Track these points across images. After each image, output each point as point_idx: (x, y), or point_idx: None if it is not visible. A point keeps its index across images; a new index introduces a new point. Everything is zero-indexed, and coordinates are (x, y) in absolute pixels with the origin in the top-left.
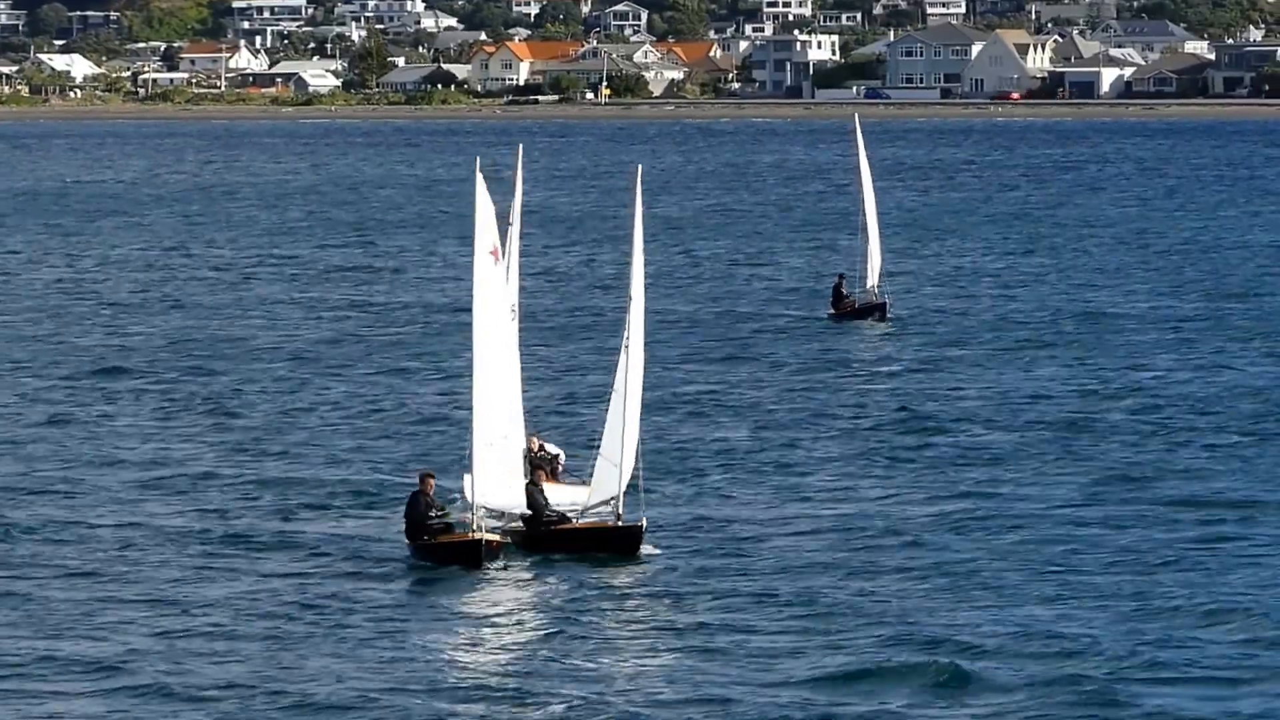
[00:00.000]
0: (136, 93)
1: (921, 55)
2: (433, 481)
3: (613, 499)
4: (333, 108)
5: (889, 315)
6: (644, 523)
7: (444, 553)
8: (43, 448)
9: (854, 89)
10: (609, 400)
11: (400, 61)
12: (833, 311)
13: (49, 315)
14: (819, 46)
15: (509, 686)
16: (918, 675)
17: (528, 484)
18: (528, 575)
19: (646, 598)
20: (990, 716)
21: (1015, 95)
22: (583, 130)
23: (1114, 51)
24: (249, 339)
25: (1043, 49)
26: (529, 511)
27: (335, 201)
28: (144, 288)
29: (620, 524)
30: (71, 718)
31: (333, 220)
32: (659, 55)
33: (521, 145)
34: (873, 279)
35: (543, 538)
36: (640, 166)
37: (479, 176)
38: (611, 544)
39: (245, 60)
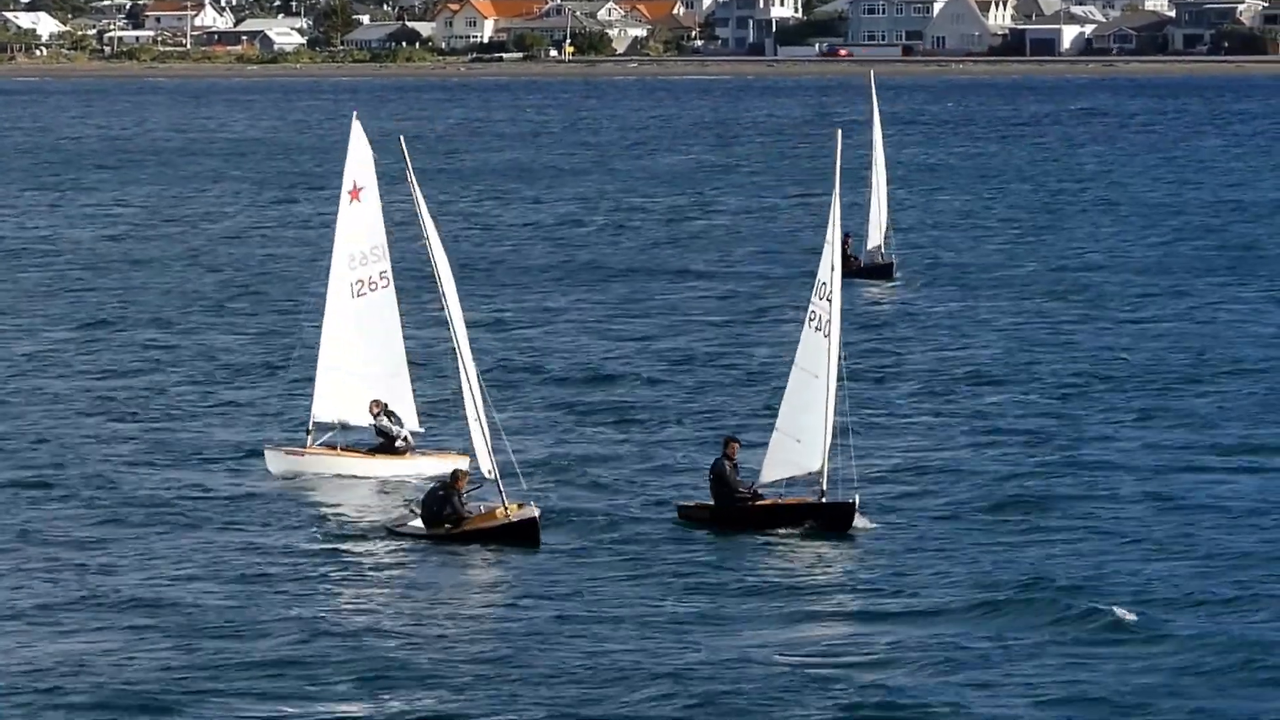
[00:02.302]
0: (102, 51)
1: (883, 13)
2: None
3: (813, 475)
4: (298, 65)
5: (896, 275)
6: (856, 500)
7: (499, 535)
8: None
9: (816, 46)
10: (788, 375)
11: (365, 19)
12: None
13: None
14: (781, 4)
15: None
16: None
17: (718, 460)
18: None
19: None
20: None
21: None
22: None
23: (1075, 9)
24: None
25: (1004, 6)
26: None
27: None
28: None
29: (826, 500)
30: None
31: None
32: (623, 13)
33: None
34: (877, 238)
35: (738, 515)
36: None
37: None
38: (821, 521)
39: (210, 18)
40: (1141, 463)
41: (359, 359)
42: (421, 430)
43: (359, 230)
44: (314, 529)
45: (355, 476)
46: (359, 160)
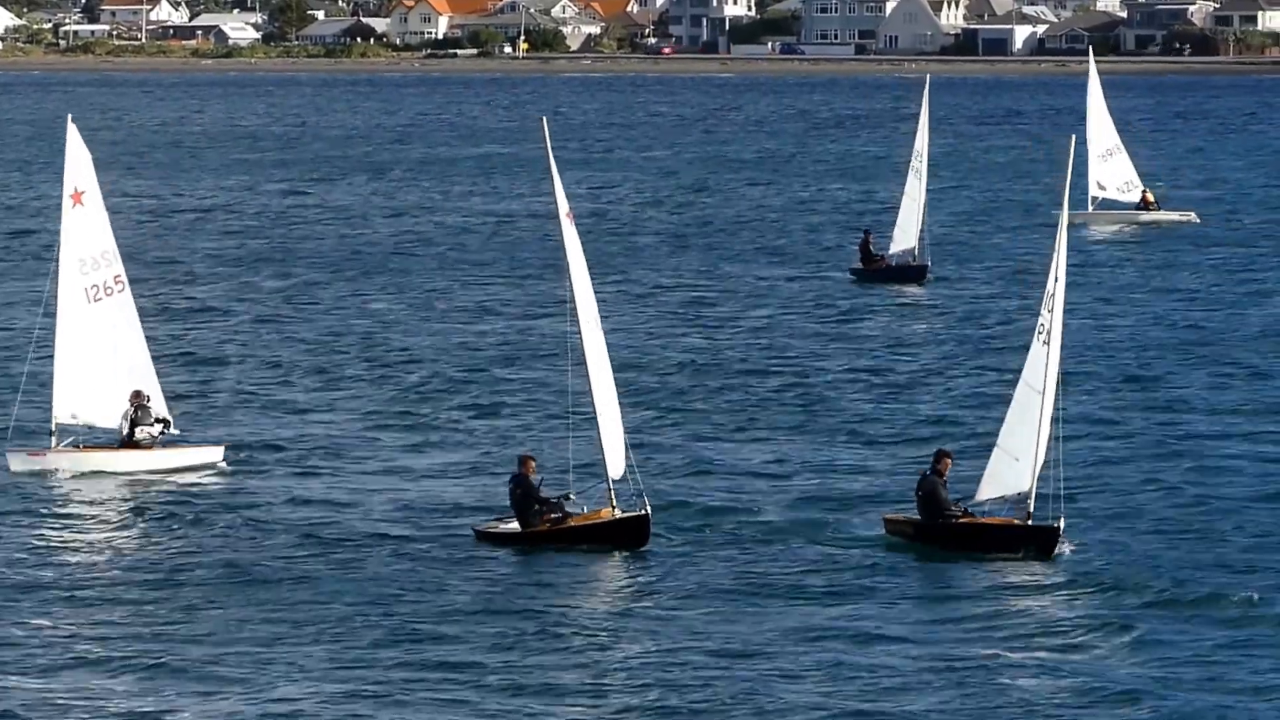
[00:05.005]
0: (58, 44)
1: (836, 12)
2: (533, 464)
3: (1021, 495)
4: (253, 60)
5: (928, 278)
6: (1061, 524)
7: (605, 533)
8: None
9: (769, 45)
10: (1014, 390)
11: (320, 15)
12: (860, 268)
13: None
14: (735, 2)
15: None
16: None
17: (930, 475)
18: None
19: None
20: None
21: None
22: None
23: (1027, 9)
24: None
25: (957, 6)
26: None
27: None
28: None
29: (1032, 523)
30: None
31: None
32: (577, 10)
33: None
34: (910, 239)
35: (943, 532)
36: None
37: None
38: (1023, 544)
39: (166, 12)
40: None
41: (99, 363)
42: (174, 427)
43: (85, 235)
44: (50, 527)
45: (102, 473)
46: (77, 164)
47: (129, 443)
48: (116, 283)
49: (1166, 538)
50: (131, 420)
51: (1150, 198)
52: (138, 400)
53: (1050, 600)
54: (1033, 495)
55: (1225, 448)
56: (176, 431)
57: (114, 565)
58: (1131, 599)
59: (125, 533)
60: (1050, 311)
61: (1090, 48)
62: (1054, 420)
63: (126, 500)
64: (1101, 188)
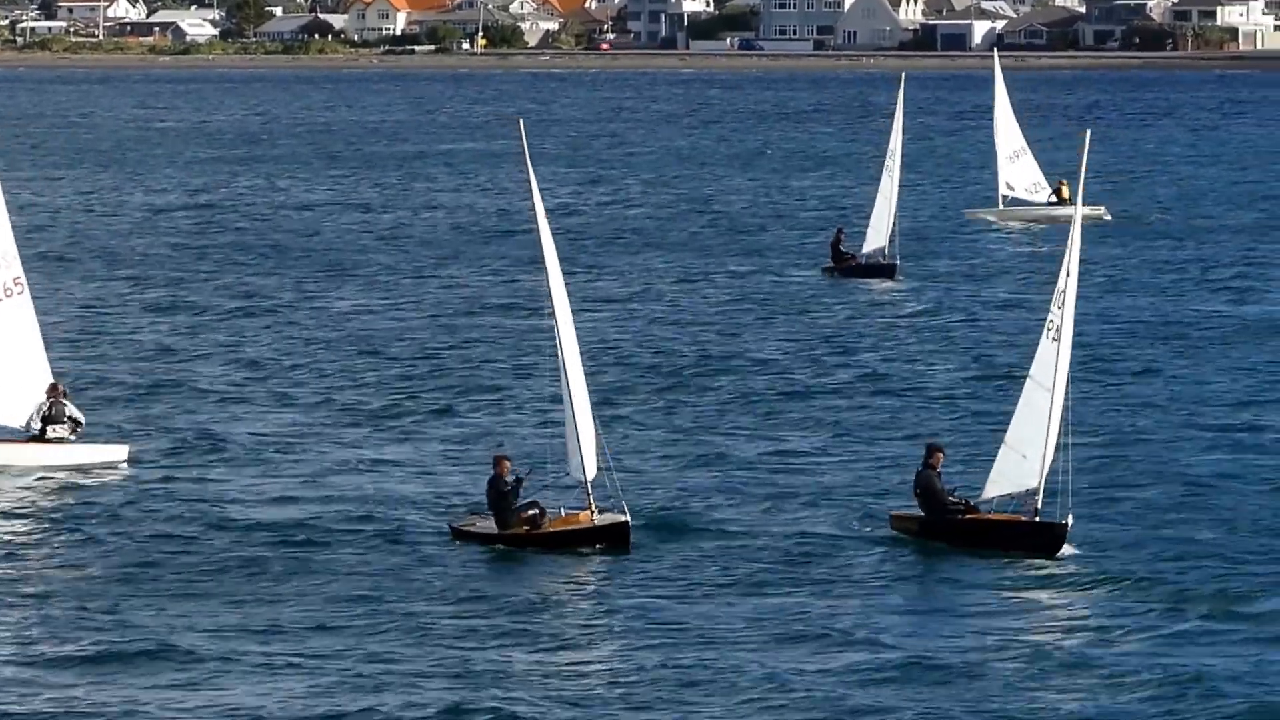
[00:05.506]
0: (15, 41)
1: (795, 7)
2: (508, 464)
3: (1029, 492)
4: (210, 57)
5: (899, 277)
6: (1069, 521)
7: (584, 539)
8: None
9: (728, 41)
10: (1022, 385)
11: (278, 11)
12: (831, 266)
13: None
14: None
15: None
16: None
17: (924, 470)
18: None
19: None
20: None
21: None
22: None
23: (986, 4)
24: None
25: (915, 1)
26: (920, 501)
27: None
28: None
29: (1039, 520)
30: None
31: None
32: (535, 6)
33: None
34: (882, 238)
35: (949, 528)
36: None
37: None
38: (1031, 541)
39: (124, 9)
40: None
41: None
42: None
43: None
44: None
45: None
46: None
47: (38, 437)
48: (16, 285)
49: (1174, 532)
50: (45, 416)
51: (1066, 193)
52: (54, 394)
53: (1058, 597)
54: (1040, 492)
55: (1233, 442)
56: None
57: (50, 563)
58: (1140, 596)
59: (44, 533)
60: (1060, 309)
61: (995, 50)
62: (1063, 418)
63: (39, 497)
64: (1010, 188)
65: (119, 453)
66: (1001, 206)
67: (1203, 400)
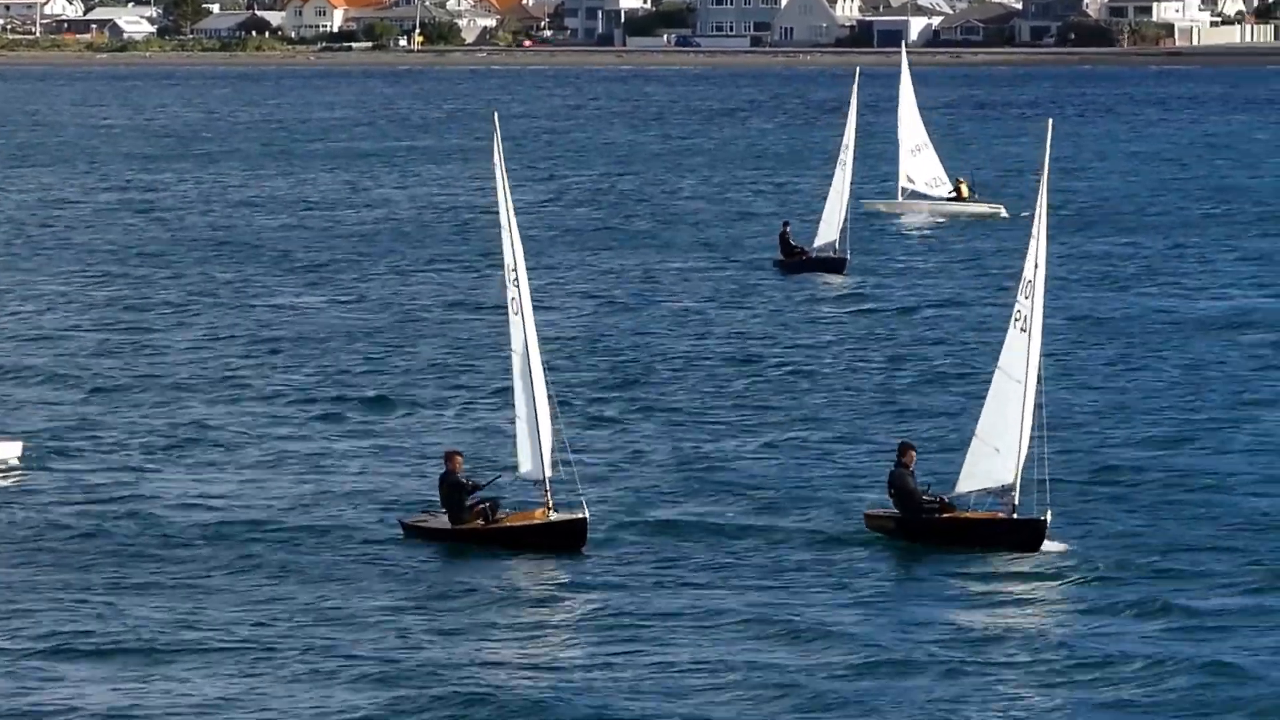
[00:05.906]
0: None
1: (732, 4)
2: (460, 459)
3: (1005, 489)
4: (147, 54)
5: (846, 272)
6: (1048, 517)
7: (540, 535)
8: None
9: (665, 37)
10: (990, 380)
11: (215, 8)
12: (781, 260)
13: None
14: None
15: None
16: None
17: (896, 469)
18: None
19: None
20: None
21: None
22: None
23: (922, 1)
24: None
25: None
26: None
27: None
28: None
29: (1018, 517)
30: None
31: None
32: (472, 3)
33: None
34: (833, 232)
35: (925, 527)
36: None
37: None
38: (1009, 538)
39: (60, 6)
40: None
41: None
42: None
43: None
44: None
45: None
46: None
47: None
48: None
49: (1155, 526)
50: None
51: (965, 191)
52: None
53: (1038, 593)
54: (1017, 488)
55: (1212, 434)
56: None
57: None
58: (1121, 591)
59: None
60: (1029, 299)
61: (905, 44)
62: (1036, 411)
63: None
64: (911, 181)
65: (12, 449)
66: (900, 199)
67: (1181, 392)
